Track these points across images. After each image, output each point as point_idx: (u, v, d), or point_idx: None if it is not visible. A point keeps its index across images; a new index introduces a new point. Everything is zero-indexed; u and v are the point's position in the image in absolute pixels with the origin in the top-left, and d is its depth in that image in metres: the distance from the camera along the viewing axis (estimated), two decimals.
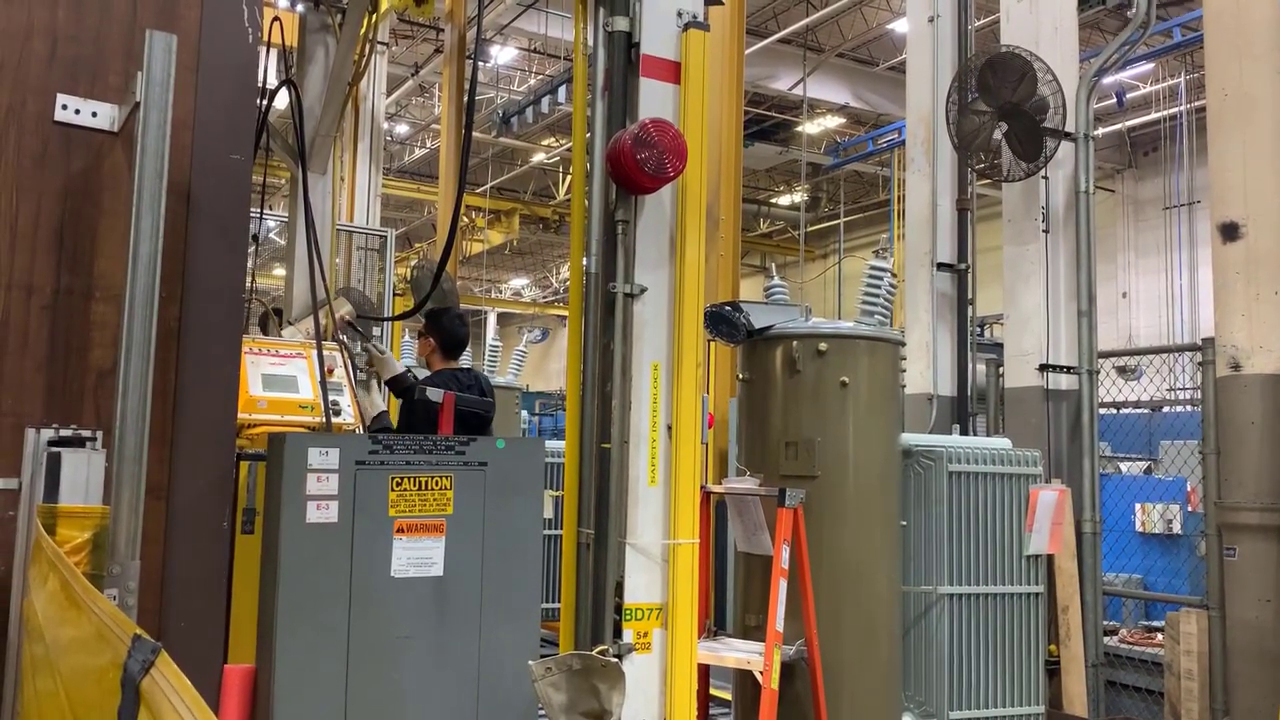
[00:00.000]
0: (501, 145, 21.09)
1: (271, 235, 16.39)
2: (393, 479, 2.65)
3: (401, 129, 22.36)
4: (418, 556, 2.66)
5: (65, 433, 2.21)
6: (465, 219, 22.36)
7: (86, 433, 2.24)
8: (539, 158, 22.31)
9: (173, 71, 2.25)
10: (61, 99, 2.49)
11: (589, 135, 3.30)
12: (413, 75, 18.31)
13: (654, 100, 3.22)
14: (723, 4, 3.34)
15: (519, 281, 32.71)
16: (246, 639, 2.83)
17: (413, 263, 17.32)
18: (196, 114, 2.62)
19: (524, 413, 11.81)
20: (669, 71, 3.24)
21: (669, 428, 3.17)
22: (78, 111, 2.50)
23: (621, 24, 3.23)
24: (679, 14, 3.27)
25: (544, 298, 31.42)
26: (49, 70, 2.50)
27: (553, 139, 21.11)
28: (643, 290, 3.18)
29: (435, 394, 3.55)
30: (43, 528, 1.97)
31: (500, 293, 32.57)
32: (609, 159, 3.10)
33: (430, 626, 2.67)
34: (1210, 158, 5.75)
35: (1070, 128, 6.09)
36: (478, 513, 2.74)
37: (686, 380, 3.16)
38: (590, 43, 3.36)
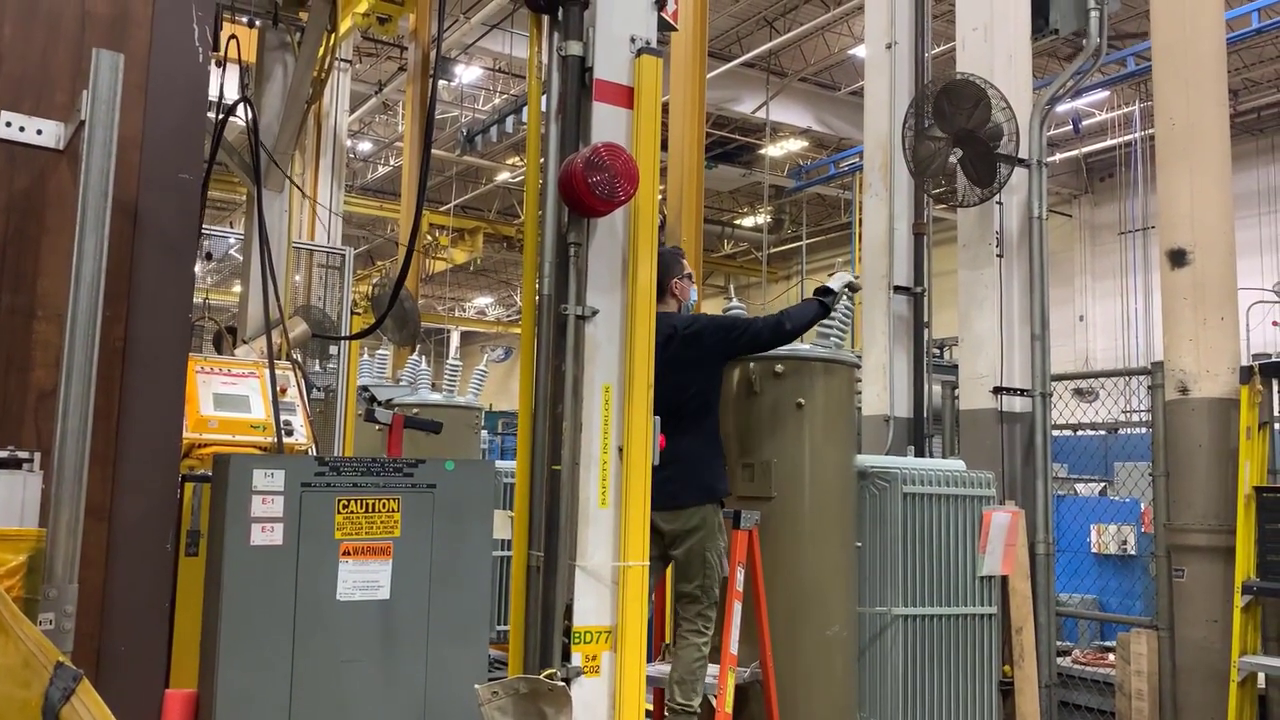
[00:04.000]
0: (465, 164, 21.09)
1: (231, 252, 16.24)
2: (339, 501, 2.63)
3: (365, 146, 22.30)
4: (364, 579, 2.64)
5: (2, 454, 2.18)
6: (429, 237, 22.30)
7: (23, 454, 2.21)
8: (503, 176, 22.32)
9: (119, 90, 2.23)
10: (6, 116, 2.46)
11: (542, 159, 3.31)
12: (376, 93, 18.29)
13: (606, 124, 3.23)
14: (677, 30, 3.37)
15: (483, 300, 32.63)
16: (189, 663, 2.80)
17: (375, 280, 17.23)
18: (145, 133, 2.60)
19: (485, 432, 11.77)
20: (622, 96, 3.26)
21: (620, 449, 3.18)
22: (22, 129, 2.47)
23: (575, 49, 3.25)
24: (632, 40, 3.30)
25: (508, 316, 31.36)
26: None
27: (517, 158, 21.14)
28: (595, 312, 3.19)
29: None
30: None
31: (464, 311, 32.46)
32: (561, 182, 3.12)
33: (376, 650, 2.65)
34: (1159, 185, 5.87)
35: (1024, 154, 6.19)
36: (425, 535, 2.72)
37: (638, 402, 3.17)
38: (545, 66, 3.38)
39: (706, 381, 4.26)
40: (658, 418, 3.24)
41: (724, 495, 4.21)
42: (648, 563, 3.19)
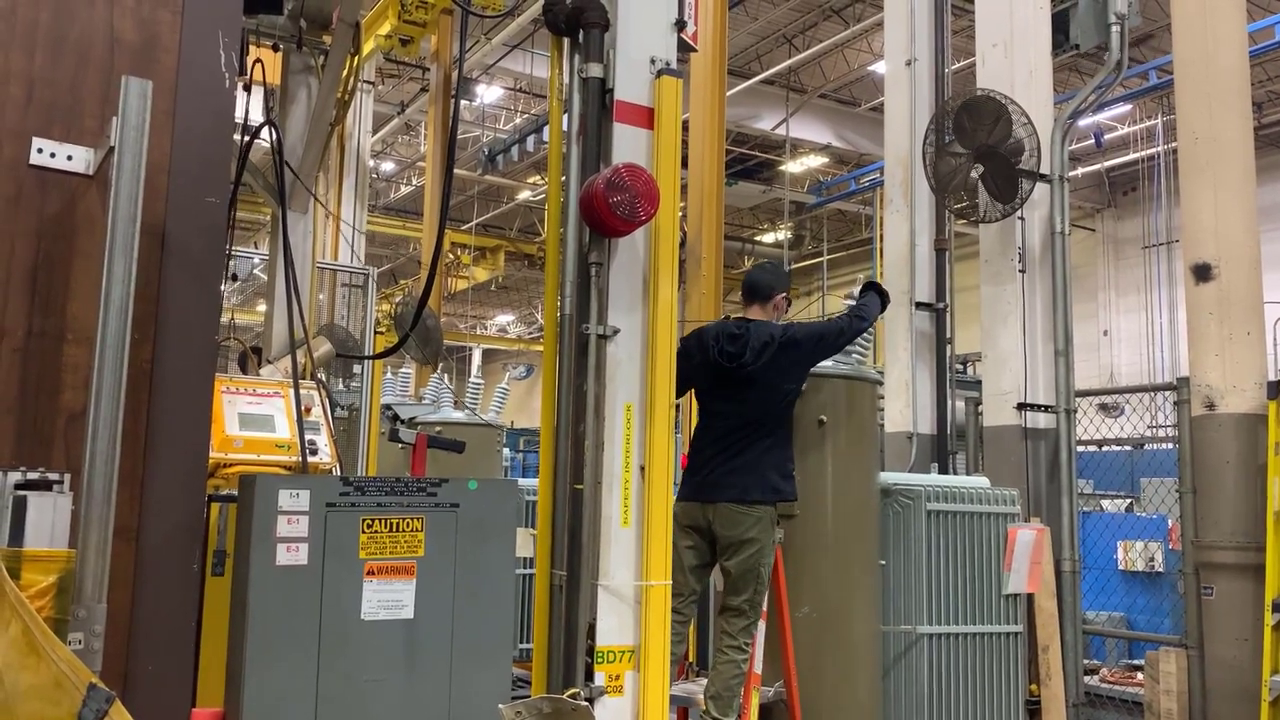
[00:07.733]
0: (487, 183, 21.21)
1: (256, 272, 16.38)
2: (364, 521, 2.65)
3: (387, 166, 22.47)
4: (388, 599, 2.65)
5: (32, 476, 2.21)
6: (451, 256, 22.42)
7: (54, 476, 2.23)
8: (524, 195, 22.43)
9: (148, 116, 2.27)
10: (37, 142, 2.50)
11: (564, 178, 3.33)
12: (399, 113, 18.44)
13: (627, 145, 3.26)
14: (697, 51, 3.40)
15: (504, 318, 32.74)
16: (215, 682, 2.81)
17: (397, 299, 17.33)
18: (172, 158, 2.64)
19: (506, 450, 11.79)
20: (642, 117, 3.29)
21: (642, 468, 3.18)
22: (53, 155, 2.51)
23: (596, 70, 3.28)
24: (652, 61, 3.32)
25: (529, 334, 31.45)
26: (25, 115, 2.51)
27: (538, 177, 21.26)
28: (616, 332, 3.20)
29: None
30: (6, 572, 1.97)
31: (485, 329, 32.58)
32: (582, 202, 3.14)
33: (400, 669, 2.66)
34: (1182, 200, 5.83)
35: (1045, 169, 6.17)
36: (449, 554, 2.73)
37: (659, 421, 3.18)
38: (566, 87, 3.41)
39: (797, 386, 4.35)
40: (679, 435, 3.25)
41: (791, 498, 4.25)
42: (670, 581, 3.19)
